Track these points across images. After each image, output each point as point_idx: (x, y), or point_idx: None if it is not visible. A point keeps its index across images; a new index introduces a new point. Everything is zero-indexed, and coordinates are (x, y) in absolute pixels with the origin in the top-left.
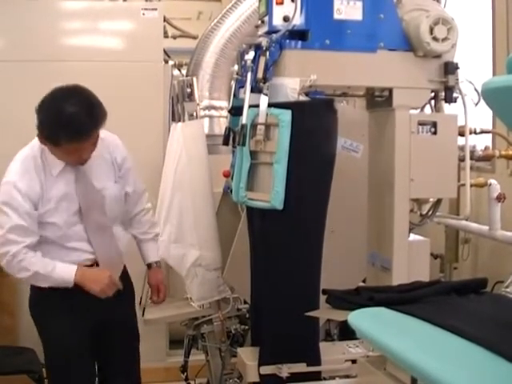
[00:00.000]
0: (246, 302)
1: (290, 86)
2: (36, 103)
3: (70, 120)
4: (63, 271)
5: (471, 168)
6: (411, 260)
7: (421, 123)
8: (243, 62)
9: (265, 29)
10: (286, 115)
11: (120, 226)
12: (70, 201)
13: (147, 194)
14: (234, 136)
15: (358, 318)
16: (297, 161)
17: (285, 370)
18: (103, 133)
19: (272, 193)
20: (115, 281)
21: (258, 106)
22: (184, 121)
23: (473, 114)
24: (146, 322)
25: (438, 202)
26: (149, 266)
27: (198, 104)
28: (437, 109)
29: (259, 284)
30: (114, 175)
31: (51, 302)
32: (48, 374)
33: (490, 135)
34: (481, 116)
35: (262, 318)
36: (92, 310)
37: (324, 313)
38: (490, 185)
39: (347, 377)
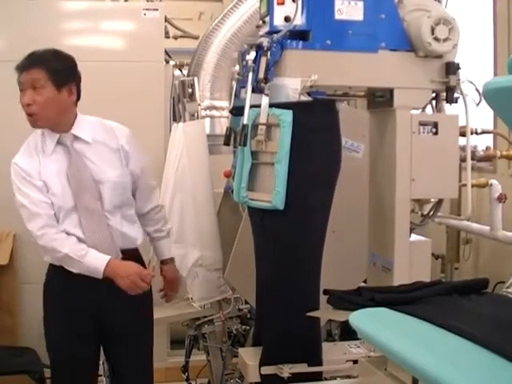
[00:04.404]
0: (247, 302)
1: (291, 87)
2: None
3: None
4: (94, 260)
5: (472, 168)
6: (412, 260)
7: (422, 123)
8: (244, 63)
9: (266, 29)
10: (287, 115)
11: (127, 221)
12: (62, 181)
13: (158, 190)
14: (235, 136)
15: (359, 319)
16: (298, 161)
17: (286, 371)
18: (110, 122)
19: (273, 193)
20: (145, 276)
21: (259, 106)
22: (185, 121)
23: (474, 115)
24: None
25: (439, 202)
26: (164, 262)
27: (199, 104)
28: (438, 109)
29: (262, 284)
30: (118, 163)
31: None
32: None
33: (492, 135)
34: (482, 116)
35: (264, 318)
36: (88, 313)
37: (325, 313)
38: (491, 185)
39: (348, 377)
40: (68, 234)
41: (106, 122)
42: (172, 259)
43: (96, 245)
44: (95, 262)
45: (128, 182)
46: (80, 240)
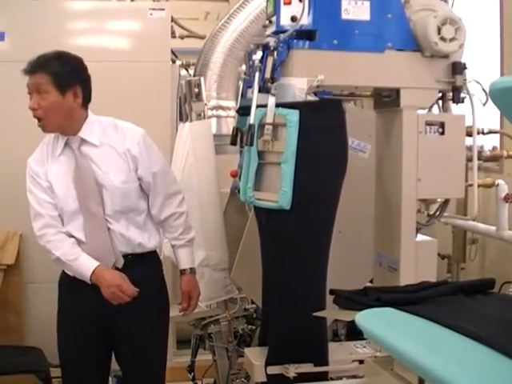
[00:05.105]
0: (253, 302)
1: (298, 86)
2: None
3: None
4: (83, 265)
5: (479, 168)
6: (418, 260)
7: (428, 123)
8: (251, 62)
9: (272, 29)
10: (294, 115)
11: (134, 226)
12: (68, 184)
13: (182, 196)
14: (241, 136)
15: (366, 319)
16: (304, 161)
17: (292, 370)
18: (124, 123)
19: (279, 193)
20: (125, 290)
21: (265, 106)
22: (191, 121)
23: (480, 115)
24: None
25: (446, 202)
26: (181, 272)
27: (205, 104)
28: (444, 109)
29: (268, 284)
30: (125, 167)
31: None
32: None
33: (498, 135)
34: (488, 116)
35: (270, 318)
36: (97, 314)
37: (331, 313)
38: (498, 185)
39: (354, 377)
40: (71, 236)
41: (119, 124)
42: (191, 270)
43: (96, 248)
44: (83, 267)
45: (133, 188)
46: (82, 243)
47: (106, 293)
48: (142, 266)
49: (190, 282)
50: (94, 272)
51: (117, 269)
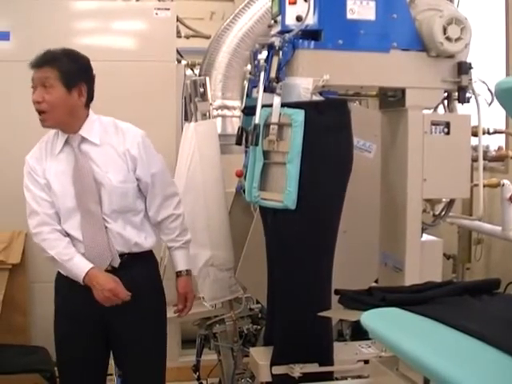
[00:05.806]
0: (258, 302)
1: (303, 86)
2: None
3: None
4: (77, 266)
5: (484, 168)
6: (424, 260)
7: (434, 123)
8: (256, 62)
9: (278, 28)
10: (299, 115)
11: (131, 226)
12: (66, 182)
13: (179, 198)
14: (246, 136)
15: (371, 319)
16: (309, 161)
17: (297, 370)
18: (124, 124)
19: (285, 193)
20: (118, 293)
21: (271, 105)
22: (197, 120)
23: (486, 114)
24: None
25: (451, 202)
26: (177, 274)
27: (210, 104)
28: (450, 109)
29: (273, 284)
30: (124, 167)
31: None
32: None
33: (504, 135)
34: (494, 116)
35: (275, 318)
36: (94, 314)
37: (336, 313)
38: (503, 185)
39: (359, 377)
40: (68, 235)
41: (119, 124)
42: (187, 272)
43: (92, 247)
44: (77, 268)
45: (132, 188)
46: (79, 242)
47: (98, 296)
48: (138, 266)
49: (186, 283)
50: (87, 274)
51: (113, 268)
